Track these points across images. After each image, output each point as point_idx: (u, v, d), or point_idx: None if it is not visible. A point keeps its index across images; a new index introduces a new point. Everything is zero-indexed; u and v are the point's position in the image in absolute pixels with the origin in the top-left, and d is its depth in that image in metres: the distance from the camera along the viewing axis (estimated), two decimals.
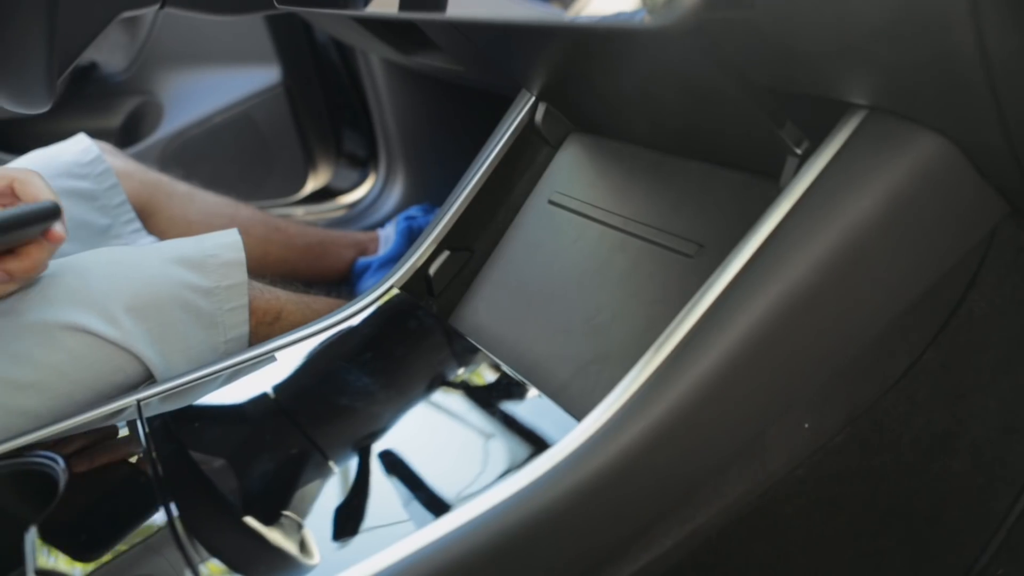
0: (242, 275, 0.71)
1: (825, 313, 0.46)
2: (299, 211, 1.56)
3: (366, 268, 1.09)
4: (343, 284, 1.11)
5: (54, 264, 0.67)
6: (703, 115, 0.57)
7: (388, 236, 1.13)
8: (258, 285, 0.75)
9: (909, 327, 0.53)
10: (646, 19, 0.41)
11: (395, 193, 1.51)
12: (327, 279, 1.10)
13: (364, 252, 1.13)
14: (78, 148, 0.94)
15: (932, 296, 0.51)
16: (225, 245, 0.71)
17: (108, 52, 1.57)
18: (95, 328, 0.64)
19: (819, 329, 0.47)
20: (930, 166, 0.45)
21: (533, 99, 0.75)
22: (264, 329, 0.73)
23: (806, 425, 0.52)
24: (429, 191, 1.46)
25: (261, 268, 0.79)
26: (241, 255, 0.71)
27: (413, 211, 1.18)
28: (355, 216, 1.51)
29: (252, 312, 0.72)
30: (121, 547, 0.50)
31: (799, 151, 0.51)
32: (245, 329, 0.72)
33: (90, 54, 1.54)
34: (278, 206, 1.54)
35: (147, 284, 0.67)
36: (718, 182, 0.59)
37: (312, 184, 1.57)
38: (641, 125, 0.63)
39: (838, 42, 0.42)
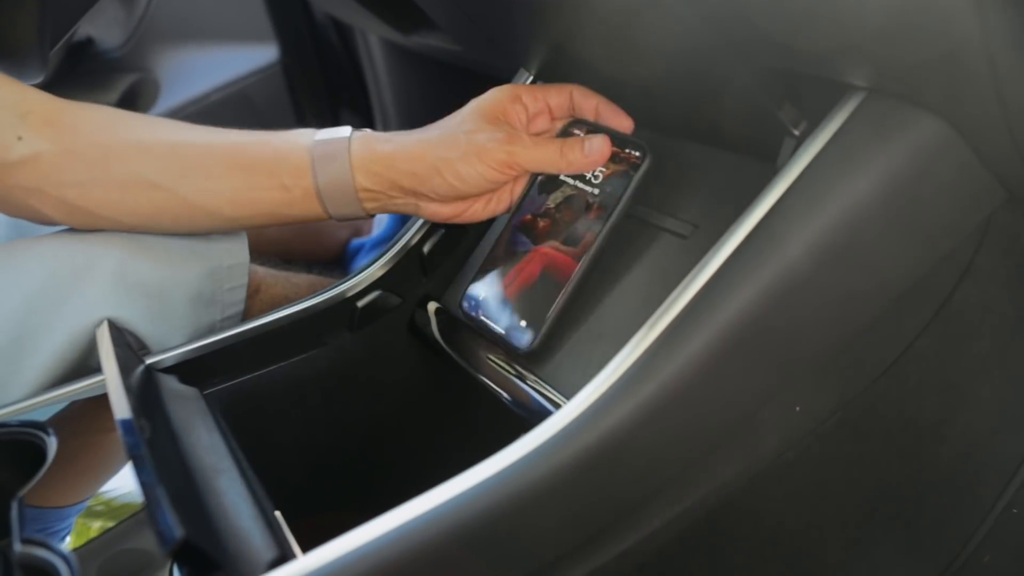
0: (244, 255, 0.70)
1: (818, 295, 0.46)
2: None
3: (359, 249, 1.08)
4: (336, 264, 1.10)
5: (57, 239, 0.66)
6: (702, 95, 0.56)
7: (381, 217, 1.12)
8: None
9: (903, 313, 0.52)
10: None
11: None
12: (321, 259, 1.09)
13: (358, 233, 1.12)
14: None
15: (926, 282, 0.51)
16: None
17: (104, 28, 1.55)
18: (100, 311, 0.63)
19: (812, 311, 0.46)
20: (928, 149, 0.44)
21: (531, 78, 0.74)
22: (246, 302, 0.72)
23: (797, 408, 0.51)
24: None
25: (257, 247, 0.78)
26: (243, 234, 0.71)
27: None
28: None
29: None
30: (109, 521, 0.50)
31: (796, 132, 0.51)
32: (242, 307, 0.71)
33: (86, 29, 1.53)
34: None
35: (149, 261, 0.66)
36: (715, 163, 0.58)
37: None
38: (639, 105, 0.62)
39: (837, 27, 0.42)
